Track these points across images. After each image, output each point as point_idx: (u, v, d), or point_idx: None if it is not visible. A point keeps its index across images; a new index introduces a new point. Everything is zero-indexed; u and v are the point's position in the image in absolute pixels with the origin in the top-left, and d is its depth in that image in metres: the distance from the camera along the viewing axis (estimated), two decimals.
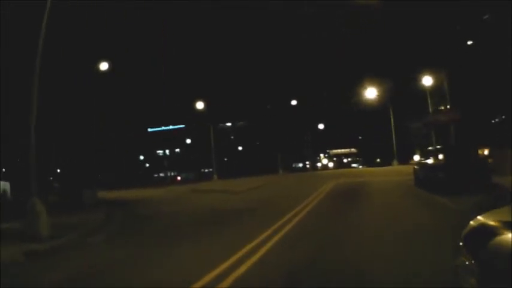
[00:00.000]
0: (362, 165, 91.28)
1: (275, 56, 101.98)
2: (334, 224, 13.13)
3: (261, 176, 54.49)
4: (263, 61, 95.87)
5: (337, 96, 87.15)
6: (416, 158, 77.69)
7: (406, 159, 69.54)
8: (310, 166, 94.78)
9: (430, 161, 21.89)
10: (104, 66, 35.82)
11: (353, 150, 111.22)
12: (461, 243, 3.96)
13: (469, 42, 43.95)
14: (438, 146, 23.77)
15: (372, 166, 73.80)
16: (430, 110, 56.33)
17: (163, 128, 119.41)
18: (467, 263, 3.66)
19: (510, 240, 3.26)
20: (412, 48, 61.86)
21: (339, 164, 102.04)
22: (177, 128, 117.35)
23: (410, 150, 72.46)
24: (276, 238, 11.11)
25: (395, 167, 53.68)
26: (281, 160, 71.61)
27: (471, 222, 4.05)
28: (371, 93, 63.14)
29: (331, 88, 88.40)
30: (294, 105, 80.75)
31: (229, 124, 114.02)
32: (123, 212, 22.68)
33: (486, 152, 61.01)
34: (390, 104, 62.04)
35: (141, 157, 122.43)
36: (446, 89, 27.84)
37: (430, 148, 23.52)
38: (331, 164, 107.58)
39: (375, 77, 63.39)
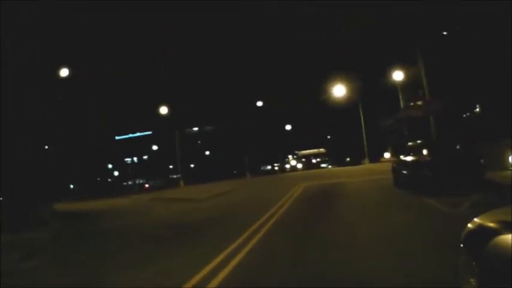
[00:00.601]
0: (331, 165, 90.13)
1: (240, 58, 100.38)
2: (303, 245, 9.98)
3: (228, 180, 53.16)
4: (228, 63, 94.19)
5: (304, 95, 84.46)
6: (387, 155, 76.22)
7: (377, 157, 67.43)
8: (278, 168, 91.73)
9: (411, 157, 18.85)
10: (64, 72, 33.61)
11: (322, 150, 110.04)
12: (461, 244, 3.92)
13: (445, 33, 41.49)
14: (419, 141, 20.35)
15: (342, 166, 72.10)
16: (402, 105, 54.07)
17: (130, 135, 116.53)
18: (467, 263, 3.65)
19: (510, 240, 3.15)
20: (381, 43, 59.90)
21: (307, 165, 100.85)
22: (144, 135, 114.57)
23: (380, 148, 70.44)
24: (227, 269, 8.10)
25: (367, 166, 51.07)
26: (248, 163, 69.10)
27: (472, 222, 3.95)
28: (339, 91, 60.27)
29: (297, 88, 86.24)
30: (260, 107, 77.46)
31: (196, 129, 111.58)
32: (77, 227, 20.57)
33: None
34: (360, 101, 59.06)
35: (110, 165, 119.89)
36: (424, 79, 24.83)
37: (410, 144, 20.32)
38: (299, 165, 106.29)
39: (343, 74, 60.57)
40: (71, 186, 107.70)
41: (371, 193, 19.51)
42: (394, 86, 54.26)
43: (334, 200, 18.16)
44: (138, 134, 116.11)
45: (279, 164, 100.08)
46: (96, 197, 48.37)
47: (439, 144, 20.46)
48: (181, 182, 58.62)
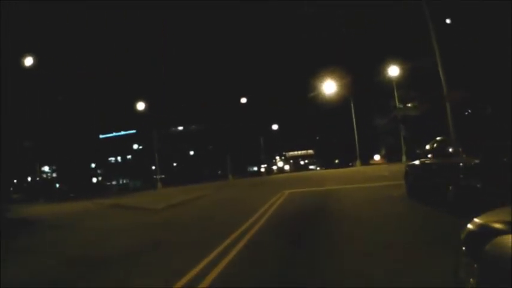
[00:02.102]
0: (320, 167, 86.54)
1: (226, 55, 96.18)
2: None
3: (208, 182, 49.11)
4: (213, 61, 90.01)
5: (292, 93, 78.79)
6: (377, 158, 70.81)
7: (367, 159, 61.58)
8: (265, 170, 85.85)
9: (442, 160, 12.63)
10: (28, 61, 32.11)
11: (310, 151, 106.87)
12: (461, 244, 3.72)
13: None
14: (439, 138, 13.92)
15: (331, 168, 67.09)
16: (397, 103, 48.26)
17: (114, 134, 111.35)
18: (467, 263, 3.51)
19: (510, 240, 3.01)
20: (375, 37, 54.53)
21: (295, 167, 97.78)
22: (129, 134, 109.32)
23: (371, 149, 64.66)
24: None
25: (359, 169, 44.74)
26: (232, 164, 63.31)
27: (472, 222, 3.70)
28: (329, 87, 54.02)
29: (284, 86, 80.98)
30: (246, 107, 71.39)
31: (180, 128, 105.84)
32: None
33: None
34: (351, 99, 52.76)
35: (93, 165, 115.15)
36: (440, 68, 18.94)
37: (439, 138, 13.85)
38: (287, 167, 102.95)
39: (333, 70, 54.44)
40: (57, 185, 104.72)
41: (381, 211, 12.99)
42: (389, 83, 48.55)
43: (325, 225, 11.49)
44: (123, 132, 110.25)
45: (265, 166, 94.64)
46: (70, 199, 45.61)
47: (474, 143, 13.76)
48: (159, 184, 52.14)
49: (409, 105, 50.33)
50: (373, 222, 11.03)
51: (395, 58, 47.55)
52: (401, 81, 49.00)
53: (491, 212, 3.76)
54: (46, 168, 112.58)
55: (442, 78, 20.15)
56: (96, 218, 21.59)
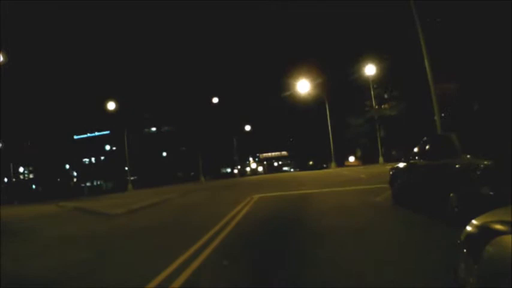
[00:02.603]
0: (294, 168, 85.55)
1: (198, 55, 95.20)
2: None
3: (179, 184, 48.70)
4: (185, 60, 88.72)
5: (265, 94, 76.94)
6: (352, 159, 69.21)
7: (341, 161, 59.79)
8: (238, 171, 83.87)
9: (442, 161, 10.32)
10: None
11: (284, 153, 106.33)
12: (461, 244, 3.62)
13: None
14: (429, 137, 11.72)
15: (305, 169, 66.25)
16: (374, 103, 46.41)
17: (89, 134, 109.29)
18: (467, 263, 3.43)
19: (510, 240, 2.90)
20: (352, 34, 52.91)
21: (269, 168, 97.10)
22: (103, 135, 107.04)
23: (346, 150, 62.85)
24: None
25: (335, 170, 42.77)
26: (205, 165, 61.09)
27: (472, 222, 3.60)
28: (303, 87, 51.85)
29: (256, 85, 79.22)
30: (218, 107, 69.07)
31: (154, 129, 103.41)
32: None
33: None
34: (326, 99, 50.67)
35: (67, 166, 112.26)
36: (426, 60, 16.99)
37: (430, 137, 11.65)
38: (260, 168, 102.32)
39: (308, 69, 52.43)
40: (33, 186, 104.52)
41: (367, 222, 10.67)
42: (366, 81, 46.74)
43: (298, 244, 8.80)
44: (97, 133, 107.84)
45: (239, 167, 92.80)
46: (39, 200, 43.78)
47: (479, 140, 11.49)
48: (130, 186, 50.07)
49: (385, 105, 48.66)
50: (361, 239, 8.65)
51: (372, 55, 45.94)
52: (379, 79, 47.39)
53: (491, 212, 3.70)
54: (21, 169, 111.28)
55: (428, 70, 18.12)
56: (50, 223, 19.30)
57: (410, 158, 11.96)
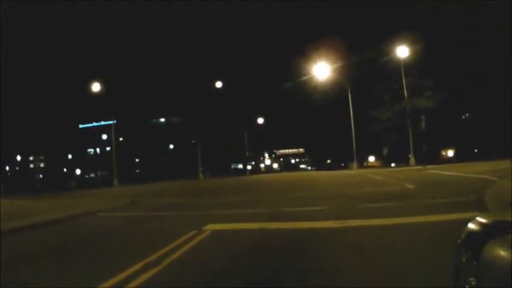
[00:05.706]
0: (311, 166, 79.88)
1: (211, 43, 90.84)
2: None
3: (171, 181, 44.46)
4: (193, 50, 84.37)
5: (278, 80, 70.21)
6: (372, 159, 61.27)
7: (361, 160, 51.53)
8: (251, 168, 76.71)
9: None
10: None
11: (301, 150, 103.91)
12: (461, 243, 3.33)
13: None
14: None
15: (323, 169, 60.63)
16: (405, 93, 38.48)
17: (94, 124, 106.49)
18: (467, 263, 3.17)
19: (510, 240, 2.73)
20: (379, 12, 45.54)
21: (285, 166, 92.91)
22: (108, 124, 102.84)
23: (368, 148, 54.45)
24: None
25: (357, 173, 34.39)
26: (209, 161, 53.93)
27: (472, 221, 3.30)
28: (322, 71, 43.77)
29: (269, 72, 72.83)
30: (225, 96, 62.15)
31: (163, 120, 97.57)
32: None
33: (451, 153, 43.85)
34: (348, 85, 42.55)
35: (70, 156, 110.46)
36: None
37: None
38: (276, 165, 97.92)
39: (328, 50, 44.55)
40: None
41: None
42: (397, 67, 38.91)
43: None
44: (103, 123, 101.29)
45: (253, 163, 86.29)
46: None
47: None
48: (115, 181, 44.02)
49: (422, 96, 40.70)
50: None
51: (405, 36, 38.27)
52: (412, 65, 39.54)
53: (491, 212, 3.96)
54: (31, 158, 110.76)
55: None
56: None
57: None
